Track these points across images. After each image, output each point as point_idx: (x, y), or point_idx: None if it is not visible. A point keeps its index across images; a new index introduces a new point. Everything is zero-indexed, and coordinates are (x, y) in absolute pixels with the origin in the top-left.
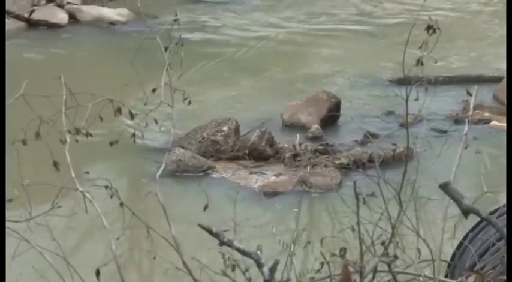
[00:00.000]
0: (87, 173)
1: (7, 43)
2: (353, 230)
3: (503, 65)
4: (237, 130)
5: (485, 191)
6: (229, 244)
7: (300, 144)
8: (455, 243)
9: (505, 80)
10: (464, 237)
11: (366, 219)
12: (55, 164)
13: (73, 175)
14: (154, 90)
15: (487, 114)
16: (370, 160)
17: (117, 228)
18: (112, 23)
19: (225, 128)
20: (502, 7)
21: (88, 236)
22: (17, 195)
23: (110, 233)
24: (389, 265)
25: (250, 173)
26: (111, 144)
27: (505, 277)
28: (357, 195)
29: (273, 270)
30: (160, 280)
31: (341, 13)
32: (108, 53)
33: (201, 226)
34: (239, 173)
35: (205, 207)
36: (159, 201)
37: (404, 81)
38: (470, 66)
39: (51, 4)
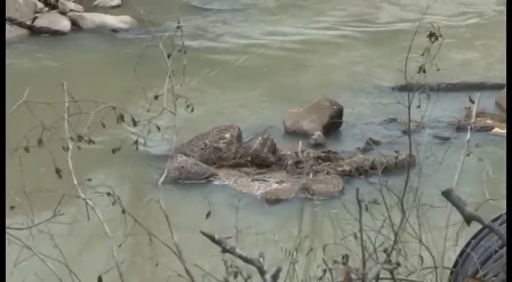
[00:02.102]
0: (90, 180)
1: (9, 50)
2: (355, 237)
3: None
4: (239, 137)
5: (487, 198)
6: (231, 251)
7: (302, 151)
8: (458, 250)
9: None
10: (467, 245)
11: (369, 226)
12: (57, 171)
13: (75, 182)
14: (156, 97)
15: (489, 121)
16: (373, 167)
17: (119, 235)
18: (114, 30)
19: (227, 135)
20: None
21: (90, 243)
22: (19, 203)
23: (112, 240)
24: (391, 272)
25: (253, 180)
26: (113, 151)
27: None
28: (359, 202)
29: (275, 277)
30: None
31: (342, 21)
32: (110, 60)
33: (203, 233)
34: (241, 180)
35: (208, 215)
36: (161, 208)
37: (406, 88)
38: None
39: (54, 11)
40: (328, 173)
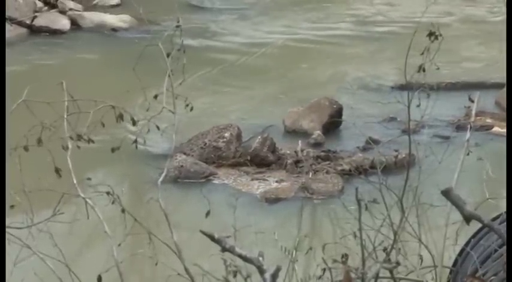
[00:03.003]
0: (89, 179)
1: (9, 49)
2: (355, 236)
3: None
4: (238, 136)
5: (487, 197)
6: (231, 250)
7: (301, 151)
8: (457, 249)
9: None
10: (466, 244)
11: (368, 225)
12: (57, 170)
13: (75, 181)
14: (156, 97)
15: (489, 120)
16: (372, 166)
17: (119, 235)
18: (114, 29)
19: (226, 134)
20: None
21: (90, 242)
22: (18, 202)
23: (111, 239)
24: (391, 271)
25: (252, 179)
26: (112, 150)
27: None
28: (358, 201)
29: (275, 276)
30: None
31: (342, 20)
32: (110, 59)
33: (202, 232)
34: (241, 179)
35: (207, 214)
36: (161, 208)
37: (406, 87)
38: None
39: (54, 10)
40: (327, 172)
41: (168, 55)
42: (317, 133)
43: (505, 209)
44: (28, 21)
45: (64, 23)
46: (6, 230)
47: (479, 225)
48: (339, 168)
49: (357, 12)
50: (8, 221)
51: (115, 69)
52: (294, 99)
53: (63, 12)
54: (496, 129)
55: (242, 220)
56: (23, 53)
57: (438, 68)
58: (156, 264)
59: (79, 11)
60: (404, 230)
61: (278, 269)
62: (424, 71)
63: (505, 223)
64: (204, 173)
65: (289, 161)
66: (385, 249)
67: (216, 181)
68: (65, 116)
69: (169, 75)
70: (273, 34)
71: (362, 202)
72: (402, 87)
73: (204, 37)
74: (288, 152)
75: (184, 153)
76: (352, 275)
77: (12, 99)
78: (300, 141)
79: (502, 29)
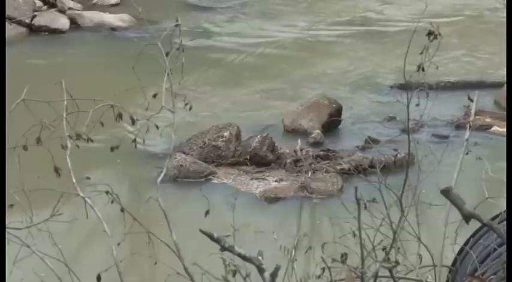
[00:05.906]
0: (88, 178)
1: (8, 48)
2: (354, 235)
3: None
4: (238, 135)
5: (486, 196)
6: (230, 249)
7: (301, 150)
8: (457, 248)
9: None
10: (466, 243)
11: (367, 224)
12: (56, 170)
13: (74, 180)
14: (155, 96)
15: (488, 119)
16: (372, 166)
17: (119, 234)
18: (113, 29)
19: (226, 134)
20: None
21: (89, 242)
22: (18, 201)
23: (111, 239)
24: (390, 270)
25: (252, 178)
26: (112, 149)
27: None
28: (358, 200)
29: (274, 275)
30: None
31: (342, 20)
32: (109, 58)
33: (202, 231)
34: (240, 178)
35: (207, 213)
36: (160, 207)
37: (405, 87)
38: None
39: (53, 10)
40: (327, 172)
41: (167, 54)
42: (316, 132)
43: (504, 208)
44: (27, 21)
45: (63, 22)
46: (6, 229)
47: (479, 224)
48: (338, 167)
49: (357, 10)
50: (8, 220)
51: (114, 68)
52: (293, 98)
53: (62, 11)
54: (495, 128)
55: (241, 219)
56: (23, 52)
57: (437, 68)
58: (156, 263)
59: (78, 10)
60: (403, 229)
61: (277, 268)
62: (423, 70)
63: (505, 222)
64: (204, 172)
65: (288, 160)
66: (384, 249)
67: (215, 180)
68: (64, 115)
69: (168, 74)
70: (272, 33)
71: (361, 201)
72: (401, 87)
73: (202, 37)
74: (288, 151)
75: (184, 153)
76: (352, 274)
77: (11, 99)
78: (299, 141)
79: None
